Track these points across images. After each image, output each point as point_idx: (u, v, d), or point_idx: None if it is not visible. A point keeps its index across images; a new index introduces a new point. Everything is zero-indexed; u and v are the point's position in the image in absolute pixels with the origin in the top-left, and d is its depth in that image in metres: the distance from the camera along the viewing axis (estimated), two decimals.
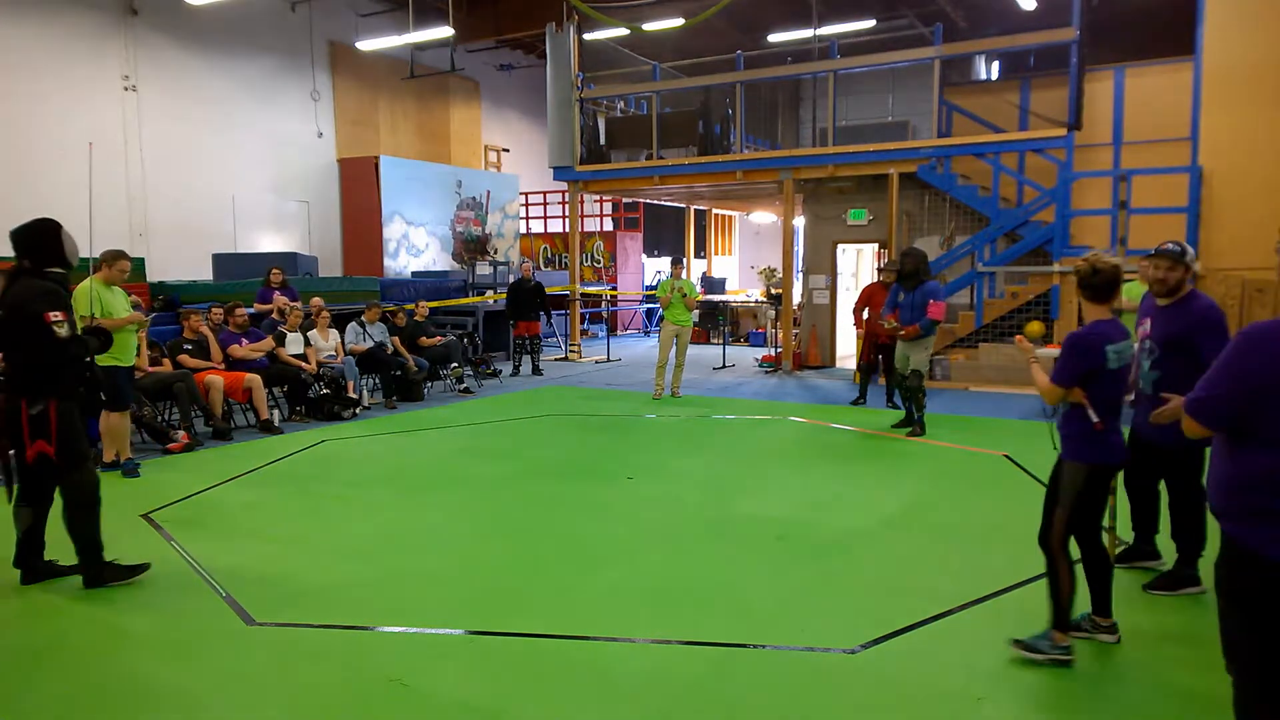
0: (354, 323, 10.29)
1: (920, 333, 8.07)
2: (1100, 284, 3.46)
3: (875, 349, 9.87)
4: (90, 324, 4.83)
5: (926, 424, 8.25)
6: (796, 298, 13.77)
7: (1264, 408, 2.18)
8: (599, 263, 20.80)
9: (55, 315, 4.20)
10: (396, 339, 10.54)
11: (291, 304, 10.00)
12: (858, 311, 10.20)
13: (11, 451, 4.37)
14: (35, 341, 4.22)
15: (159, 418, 8.18)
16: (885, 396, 9.92)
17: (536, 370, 13.24)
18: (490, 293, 15.30)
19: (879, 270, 9.99)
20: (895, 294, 8.40)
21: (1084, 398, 3.47)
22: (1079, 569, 3.63)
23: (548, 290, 16.10)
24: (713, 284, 19.94)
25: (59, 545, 4.65)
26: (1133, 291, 5.90)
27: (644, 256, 21.99)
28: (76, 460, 4.36)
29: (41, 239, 4.33)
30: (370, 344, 10.14)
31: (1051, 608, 3.51)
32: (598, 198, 21.03)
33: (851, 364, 12.74)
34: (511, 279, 14.69)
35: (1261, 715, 2.23)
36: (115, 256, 6.52)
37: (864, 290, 10.31)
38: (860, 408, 9.81)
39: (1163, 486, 4.50)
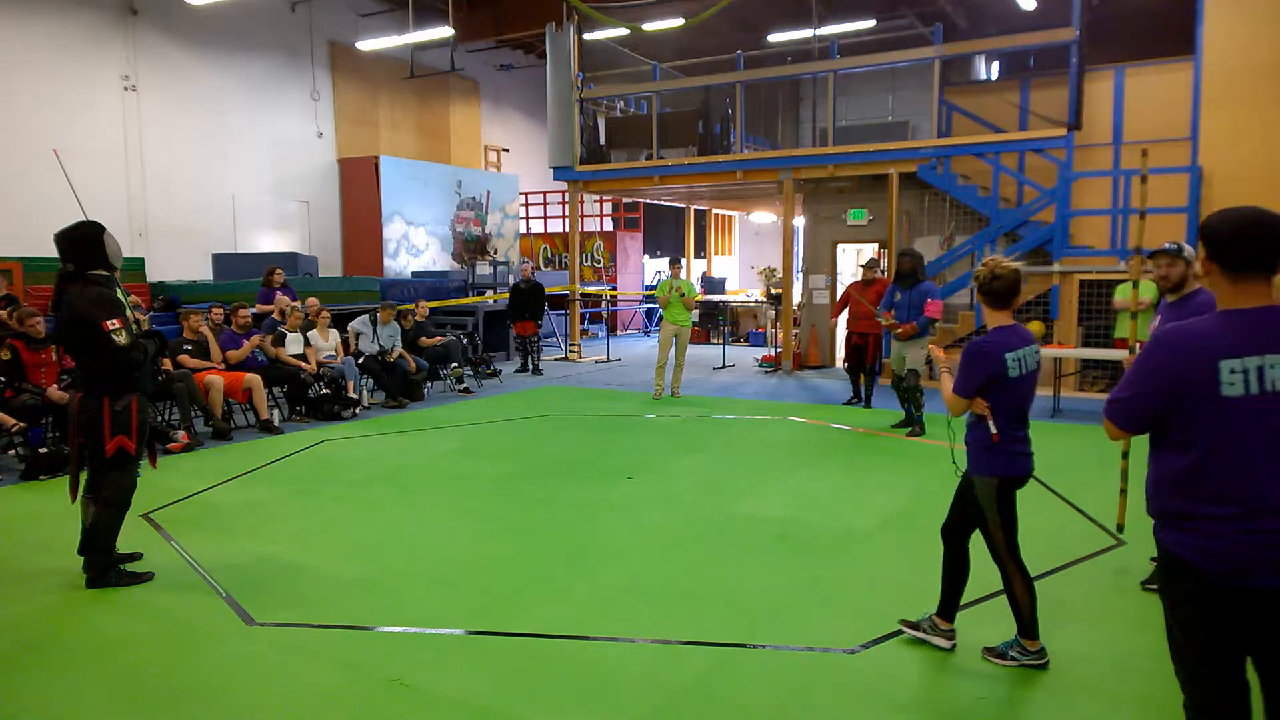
0: (365, 316, 10.27)
1: (917, 331, 8.08)
2: (1000, 289, 3.37)
3: (853, 350, 9.90)
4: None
5: (926, 423, 8.26)
6: (796, 298, 13.77)
7: (1175, 411, 2.16)
8: (599, 263, 20.80)
9: (113, 324, 4.28)
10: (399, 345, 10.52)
11: (292, 304, 10.01)
12: (836, 312, 10.43)
13: (81, 444, 4.49)
14: (104, 348, 4.31)
15: (159, 418, 8.18)
16: (864, 396, 9.95)
17: (536, 370, 13.24)
18: (490, 293, 15.31)
19: (860, 268, 10.05)
20: (892, 293, 8.43)
21: (985, 408, 3.36)
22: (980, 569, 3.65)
23: (548, 290, 16.11)
24: (713, 284, 19.93)
25: (61, 543, 4.66)
26: (1150, 290, 5.92)
27: (644, 256, 22.00)
28: (137, 458, 4.50)
29: (87, 242, 4.38)
30: (375, 349, 10.11)
31: (1015, 617, 3.49)
32: (598, 198, 21.03)
33: None
34: (512, 279, 14.71)
35: (1194, 712, 2.24)
36: None
37: (844, 291, 10.39)
38: (855, 407, 9.85)
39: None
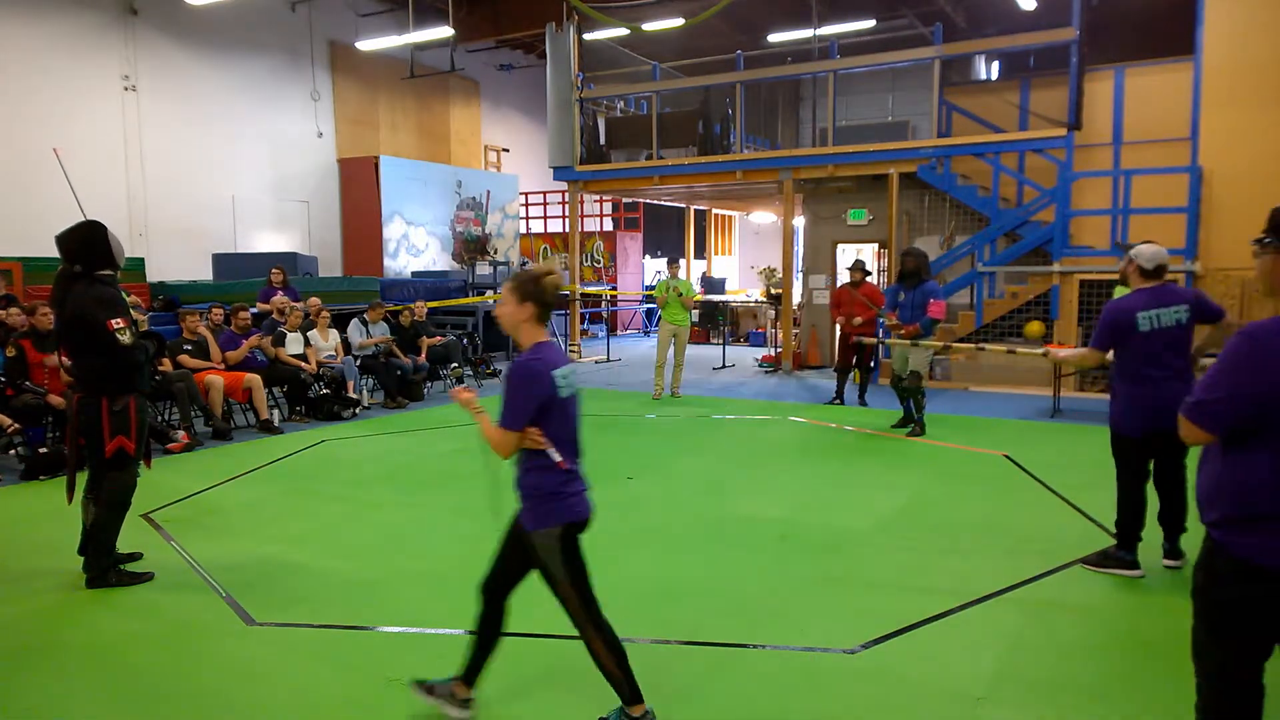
0: (355, 320, 10.30)
1: (920, 332, 8.08)
2: (552, 300, 2.92)
3: (849, 349, 9.93)
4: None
5: (926, 424, 8.26)
6: (796, 298, 13.77)
7: (1268, 411, 2.10)
8: (599, 263, 20.80)
9: (117, 323, 4.29)
10: (393, 341, 10.52)
11: (292, 304, 10.00)
12: (835, 314, 10.46)
13: (80, 445, 4.51)
14: (102, 346, 4.31)
15: (159, 418, 8.18)
16: (859, 395, 10.04)
17: None
18: (490, 293, 15.30)
19: (848, 270, 10.09)
20: (895, 293, 8.42)
21: (542, 438, 2.86)
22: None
23: None
24: (712, 284, 19.93)
25: (61, 543, 4.66)
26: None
27: (644, 257, 22.00)
28: (136, 458, 4.49)
29: (91, 242, 4.38)
30: (361, 339, 10.12)
31: (612, 685, 2.99)
32: (598, 198, 21.02)
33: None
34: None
35: (1209, 714, 2.24)
36: None
37: (835, 294, 10.43)
38: (838, 406, 9.90)
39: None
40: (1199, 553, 2.31)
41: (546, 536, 2.91)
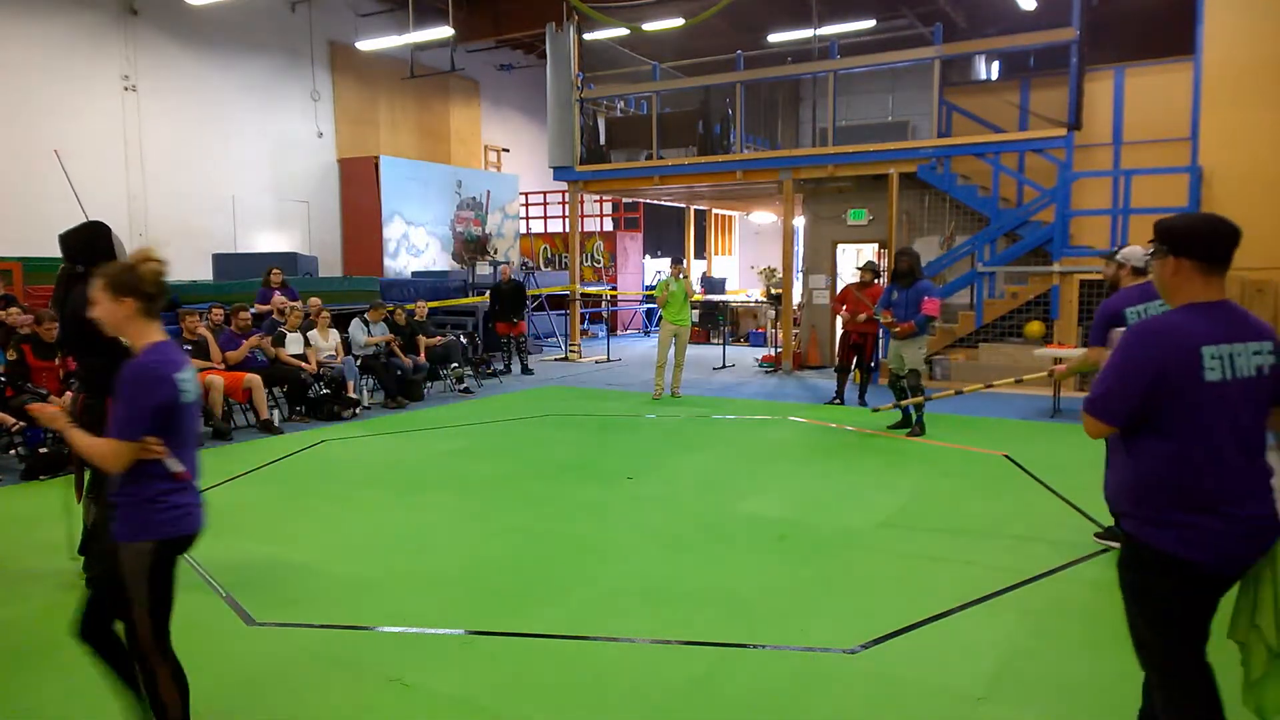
0: (357, 320, 10.30)
1: (915, 330, 8.09)
2: (153, 291, 2.63)
3: (850, 349, 9.94)
4: None
5: (926, 424, 8.26)
6: (796, 298, 13.76)
7: (1159, 399, 2.21)
8: (599, 263, 20.80)
9: None
10: (396, 341, 10.52)
11: (291, 304, 10.01)
12: (837, 308, 10.54)
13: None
14: (108, 346, 4.27)
15: None
16: (859, 395, 10.03)
17: (526, 370, 13.22)
18: (490, 293, 15.30)
19: (857, 270, 10.10)
20: (889, 292, 8.45)
21: (160, 447, 2.55)
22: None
23: (548, 291, 16.11)
24: (713, 284, 19.93)
25: (61, 543, 4.65)
26: None
27: (644, 256, 22.00)
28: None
29: (95, 243, 4.39)
30: (364, 339, 10.12)
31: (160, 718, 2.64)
32: (598, 198, 21.02)
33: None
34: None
35: (1172, 704, 2.32)
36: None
37: (840, 292, 10.45)
38: (838, 406, 9.90)
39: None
40: (1121, 549, 2.41)
41: (136, 552, 2.54)
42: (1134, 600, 2.35)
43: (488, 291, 14.03)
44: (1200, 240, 2.28)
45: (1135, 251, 4.66)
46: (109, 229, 4.45)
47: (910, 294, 8.17)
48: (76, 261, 4.36)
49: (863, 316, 9.48)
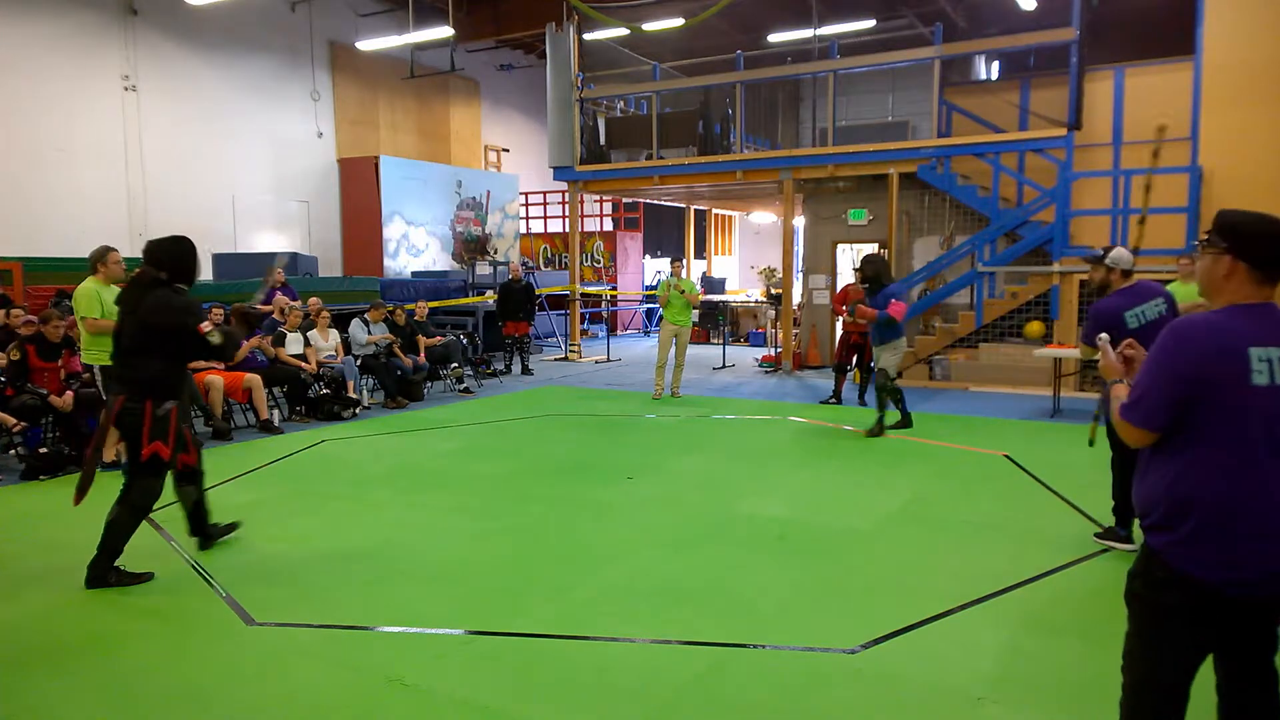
0: (357, 319, 10.30)
1: (876, 318, 8.13)
2: None
3: (849, 349, 9.98)
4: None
5: (914, 421, 8.43)
6: (796, 298, 13.76)
7: (1199, 404, 2.09)
8: (599, 263, 20.80)
9: (206, 326, 4.50)
10: (396, 342, 10.52)
11: (292, 304, 10.00)
12: (838, 305, 10.62)
13: (97, 449, 4.60)
14: (175, 350, 4.50)
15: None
16: (859, 395, 10.07)
17: (526, 370, 13.22)
18: (490, 293, 15.31)
19: (855, 270, 10.15)
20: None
21: None
22: None
23: (548, 291, 16.09)
24: (713, 284, 19.94)
25: (61, 543, 4.64)
26: (1181, 293, 5.93)
27: (644, 256, 22.00)
28: (169, 466, 4.58)
29: (184, 258, 4.59)
30: (365, 339, 10.12)
31: None
32: (598, 198, 21.03)
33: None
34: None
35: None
36: (104, 253, 6.58)
37: (840, 291, 10.49)
38: (835, 405, 9.92)
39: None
40: (1136, 557, 2.31)
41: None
42: (1135, 608, 2.27)
43: (497, 290, 14.00)
44: (1265, 246, 2.12)
45: (1124, 255, 4.68)
46: (195, 248, 4.68)
47: (879, 299, 8.27)
48: (161, 269, 4.50)
49: (844, 316, 9.57)
